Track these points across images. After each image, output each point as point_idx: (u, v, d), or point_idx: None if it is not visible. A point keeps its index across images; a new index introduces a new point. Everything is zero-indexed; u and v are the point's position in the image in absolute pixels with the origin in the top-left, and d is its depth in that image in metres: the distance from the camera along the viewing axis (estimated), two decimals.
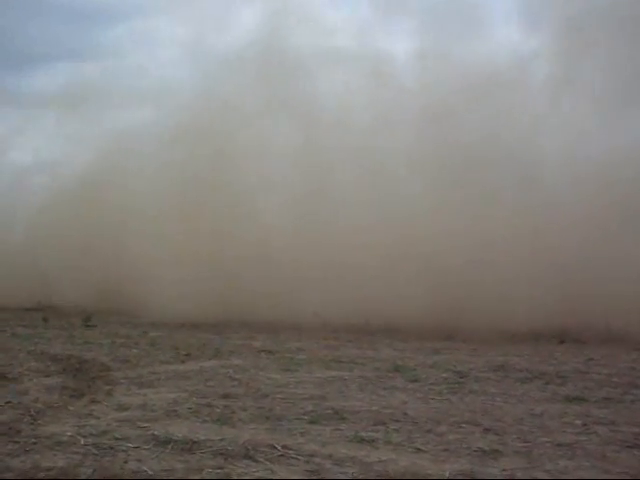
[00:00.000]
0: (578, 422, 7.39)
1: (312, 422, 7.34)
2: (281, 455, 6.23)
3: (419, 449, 6.43)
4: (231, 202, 18.19)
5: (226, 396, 8.57)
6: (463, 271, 14.52)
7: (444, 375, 10.09)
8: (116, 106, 21.59)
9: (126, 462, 6.04)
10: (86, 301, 20.12)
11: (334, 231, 16.49)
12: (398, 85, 17.36)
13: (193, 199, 18.51)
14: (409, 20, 17.92)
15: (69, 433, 6.88)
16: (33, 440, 6.66)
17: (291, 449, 6.38)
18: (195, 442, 6.56)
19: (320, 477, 5.73)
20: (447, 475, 5.74)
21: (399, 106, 17.00)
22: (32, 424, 7.25)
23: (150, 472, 5.80)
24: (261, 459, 6.11)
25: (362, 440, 6.68)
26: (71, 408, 7.96)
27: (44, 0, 43.64)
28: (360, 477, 5.72)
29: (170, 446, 6.45)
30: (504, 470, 5.87)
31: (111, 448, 6.41)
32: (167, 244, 18.11)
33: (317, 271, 16.16)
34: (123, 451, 6.33)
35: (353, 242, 16.07)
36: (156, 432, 6.90)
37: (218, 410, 7.83)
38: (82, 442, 6.58)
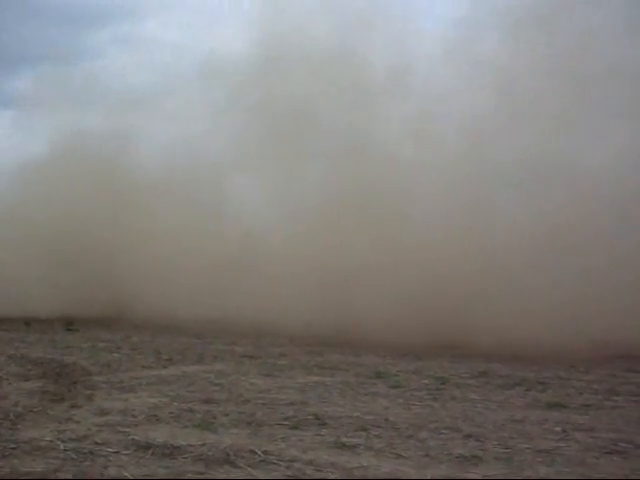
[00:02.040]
0: (558, 428, 7.43)
1: (293, 427, 7.34)
2: (262, 460, 6.22)
3: (400, 455, 6.44)
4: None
5: (208, 401, 8.55)
6: (447, 281, 14.47)
7: (425, 381, 10.11)
8: (102, 108, 21.49)
9: (106, 467, 6.02)
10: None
11: (323, 235, 16.46)
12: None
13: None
14: None
15: (49, 438, 6.84)
16: (12, 445, 6.61)
17: (272, 454, 6.37)
18: (176, 447, 6.54)
19: None
20: None
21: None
22: (11, 429, 7.21)
23: (130, 477, 5.78)
24: (242, 464, 6.11)
25: (343, 446, 6.68)
26: (51, 412, 7.92)
27: (34, 2, 43.39)
28: None
29: (151, 451, 6.43)
30: (484, 476, 5.90)
31: (91, 453, 6.38)
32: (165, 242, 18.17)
33: (304, 276, 16.14)
34: (103, 456, 6.30)
35: (341, 246, 16.05)
36: (137, 437, 6.87)
37: (199, 415, 7.81)
38: (62, 447, 6.55)
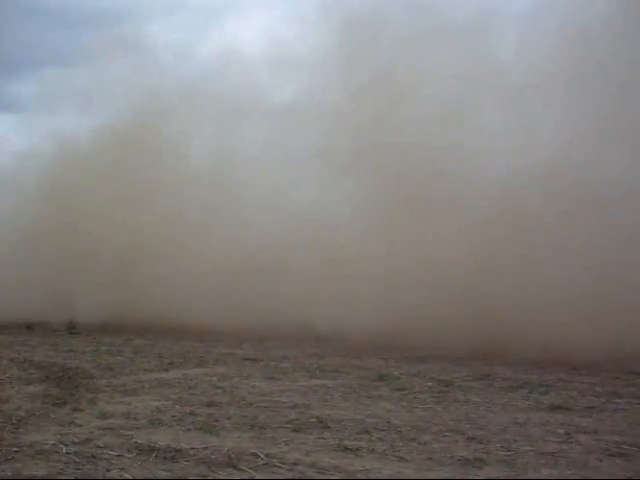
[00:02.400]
0: (561, 431, 7.42)
1: (296, 431, 7.33)
2: (265, 464, 6.22)
3: (403, 458, 6.43)
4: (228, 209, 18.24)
5: (210, 404, 8.55)
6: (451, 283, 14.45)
7: (428, 384, 10.11)
8: (102, 111, 21.42)
9: (108, 470, 6.01)
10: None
11: (327, 241, 16.42)
12: None
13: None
14: None
15: (51, 441, 6.83)
16: (15, 448, 6.61)
17: (275, 458, 6.37)
18: (178, 450, 6.53)
19: None
20: None
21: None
22: (14, 432, 7.20)
23: None
24: (244, 467, 6.10)
25: (346, 449, 6.67)
26: (53, 416, 7.91)
27: (33, 5, 43.46)
28: None
29: (153, 454, 6.43)
30: (488, 479, 5.89)
31: (93, 456, 6.37)
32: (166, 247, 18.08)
33: (309, 280, 16.13)
34: (105, 459, 6.30)
35: (343, 252, 16.02)
36: (139, 440, 6.87)
37: (202, 418, 7.81)
38: (64, 450, 6.54)
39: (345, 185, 17.05)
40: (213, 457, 6.36)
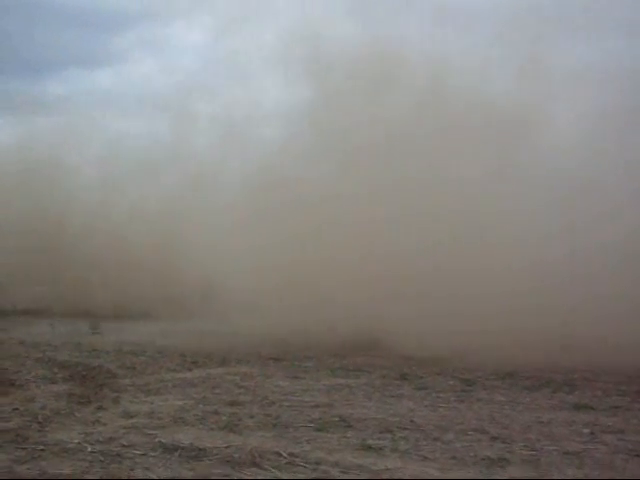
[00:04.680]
0: (586, 430, 7.37)
1: (319, 430, 7.33)
2: (288, 463, 6.23)
3: (426, 457, 6.41)
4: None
5: (233, 403, 8.57)
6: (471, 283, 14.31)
7: (451, 383, 10.07)
8: (126, 113, 21.36)
9: (133, 469, 6.05)
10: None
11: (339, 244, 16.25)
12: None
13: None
14: None
15: (76, 440, 6.89)
16: (40, 447, 6.67)
17: (298, 457, 6.37)
18: (202, 449, 6.56)
19: None
20: None
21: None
22: (39, 431, 7.27)
23: (157, 479, 5.81)
24: (267, 467, 6.11)
25: (369, 448, 6.67)
26: (78, 415, 7.98)
27: (55, 6, 43.77)
28: None
29: (177, 453, 6.46)
30: (511, 479, 5.85)
31: (118, 455, 6.42)
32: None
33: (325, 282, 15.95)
34: (130, 458, 6.34)
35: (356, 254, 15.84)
36: (163, 439, 6.90)
37: (225, 417, 7.83)
38: (89, 449, 6.59)
39: None
40: (236, 456, 6.38)
